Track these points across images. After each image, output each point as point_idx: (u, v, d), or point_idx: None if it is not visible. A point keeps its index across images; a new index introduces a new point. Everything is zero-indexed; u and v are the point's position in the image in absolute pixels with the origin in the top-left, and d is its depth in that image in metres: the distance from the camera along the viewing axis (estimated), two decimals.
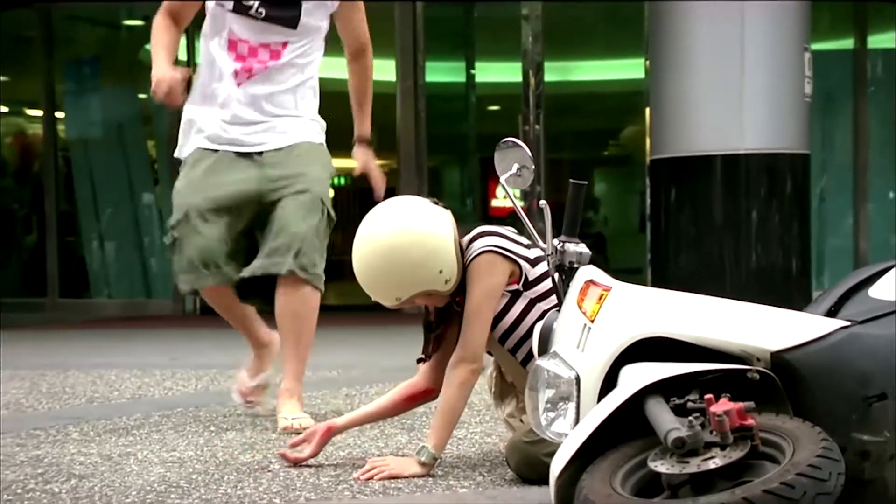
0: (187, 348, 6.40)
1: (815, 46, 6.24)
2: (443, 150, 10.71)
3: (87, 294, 10.65)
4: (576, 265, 2.44)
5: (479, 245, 2.81)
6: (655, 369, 2.16)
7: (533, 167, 2.67)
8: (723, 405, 2.04)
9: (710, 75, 5.92)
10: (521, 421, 2.91)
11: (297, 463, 3.02)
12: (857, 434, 2.10)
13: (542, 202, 2.59)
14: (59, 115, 10.88)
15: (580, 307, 2.33)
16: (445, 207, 2.89)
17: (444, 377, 2.95)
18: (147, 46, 12.24)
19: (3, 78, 11.19)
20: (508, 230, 2.88)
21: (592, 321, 2.29)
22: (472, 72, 10.52)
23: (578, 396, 2.25)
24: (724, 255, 5.93)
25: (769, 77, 5.92)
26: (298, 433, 3.23)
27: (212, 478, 2.92)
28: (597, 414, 2.15)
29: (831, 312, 2.30)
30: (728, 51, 5.88)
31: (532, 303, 2.81)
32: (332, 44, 3.73)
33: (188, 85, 3.69)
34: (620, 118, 11.78)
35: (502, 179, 2.65)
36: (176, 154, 3.80)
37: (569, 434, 2.21)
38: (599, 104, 12.09)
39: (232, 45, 3.68)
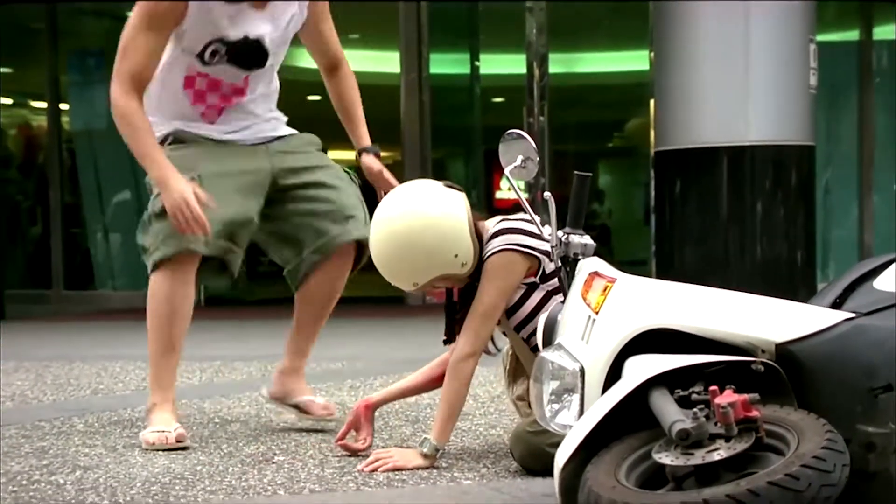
0: (191, 340, 6.37)
1: (821, 38, 6.22)
2: (447, 142, 10.71)
3: (92, 286, 10.66)
4: (580, 257, 2.43)
5: (498, 242, 2.80)
6: (660, 361, 2.16)
7: (537, 159, 2.66)
8: (727, 397, 2.04)
9: (714, 67, 5.91)
10: (530, 406, 2.92)
11: (358, 452, 3.02)
12: (862, 426, 2.10)
13: (547, 194, 2.59)
14: (64, 106, 10.88)
15: (584, 299, 2.33)
16: (459, 190, 2.88)
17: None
18: None
19: (7, 70, 11.19)
20: (528, 223, 2.86)
21: (597, 313, 2.29)
22: (477, 64, 10.52)
23: (583, 388, 2.25)
24: (728, 247, 5.93)
25: (774, 69, 5.91)
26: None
27: (216, 469, 2.93)
28: (601, 406, 2.15)
29: (836, 304, 2.30)
30: (733, 43, 5.87)
31: (549, 294, 2.81)
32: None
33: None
34: (625, 110, 11.78)
35: (507, 171, 2.65)
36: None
37: (573, 426, 2.21)
38: (604, 96, 12.08)
39: (189, 81, 3.32)
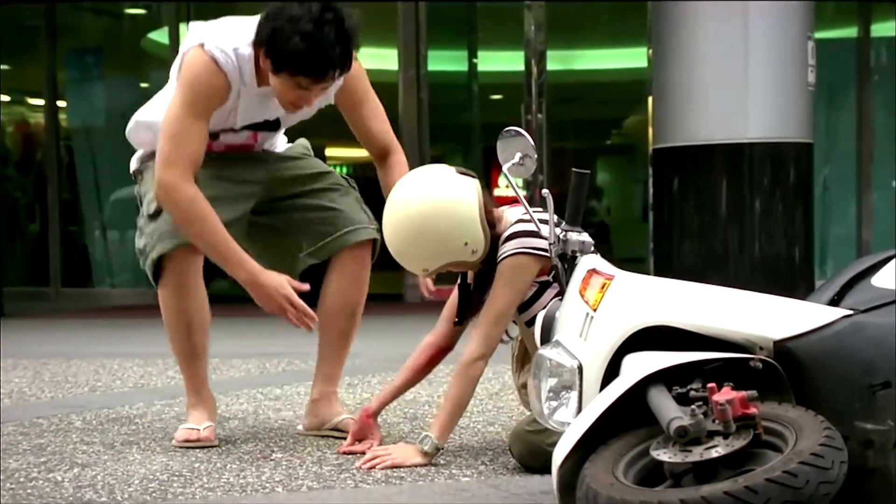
0: None
1: (819, 35, 6.22)
2: (445, 140, 10.71)
3: (90, 283, 10.66)
4: (578, 254, 2.43)
5: (512, 246, 2.79)
6: (658, 358, 2.15)
7: (535, 156, 2.66)
8: (725, 394, 2.03)
9: (713, 64, 5.91)
10: None
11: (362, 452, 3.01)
12: (860, 423, 2.10)
13: (545, 191, 2.59)
14: (62, 104, 10.87)
15: (583, 296, 2.33)
16: (473, 176, 2.87)
17: (461, 329, 3.00)
18: (150, 36, 12.14)
19: (5, 67, 11.18)
20: (544, 224, 2.86)
21: (595, 310, 2.29)
22: (475, 61, 10.51)
23: (581, 385, 2.25)
24: (727, 245, 5.93)
25: (772, 66, 5.91)
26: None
27: (214, 466, 2.93)
28: (599, 403, 2.14)
29: (834, 301, 2.30)
30: (731, 40, 5.86)
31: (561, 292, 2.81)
32: None
33: None
34: (623, 107, 11.78)
35: (505, 168, 2.65)
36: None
37: (571, 423, 2.21)
38: (602, 93, 12.08)
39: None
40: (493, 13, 10.44)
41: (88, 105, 10.83)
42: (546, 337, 2.44)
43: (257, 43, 3.03)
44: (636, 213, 11.88)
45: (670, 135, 6.12)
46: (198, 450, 3.15)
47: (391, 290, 8.36)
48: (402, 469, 2.82)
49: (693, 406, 2.06)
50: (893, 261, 2.33)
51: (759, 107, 5.90)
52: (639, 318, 2.23)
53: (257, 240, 3.33)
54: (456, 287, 3.05)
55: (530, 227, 2.78)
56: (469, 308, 2.96)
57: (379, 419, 3.13)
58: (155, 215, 3.19)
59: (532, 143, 2.66)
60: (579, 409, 2.24)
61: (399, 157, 3.38)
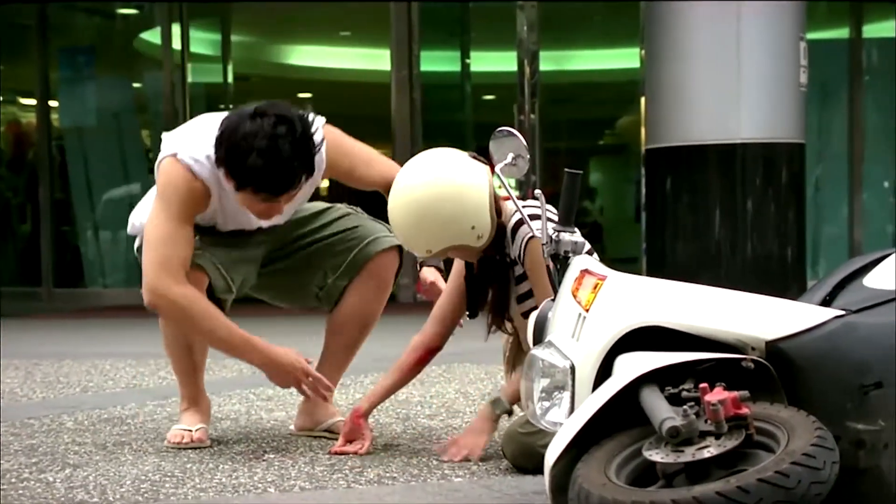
0: None
1: (811, 36, 6.24)
2: (438, 140, 10.64)
3: (82, 283, 10.64)
4: (571, 255, 2.43)
5: (527, 230, 2.79)
6: (650, 358, 2.15)
7: (528, 156, 2.66)
8: (717, 394, 2.03)
9: (705, 65, 5.92)
10: None
11: (356, 453, 3.02)
12: (852, 423, 2.10)
13: (538, 191, 2.59)
14: (54, 103, 10.85)
15: (575, 296, 2.33)
16: (484, 162, 2.87)
17: (450, 329, 3.01)
18: (143, 36, 12.14)
19: None
20: (549, 211, 2.88)
21: (587, 311, 2.29)
22: (468, 61, 10.51)
23: (573, 386, 2.25)
24: (719, 245, 5.94)
25: (765, 66, 5.92)
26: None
27: (206, 467, 2.92)
28: (592, 403, 2.14)
29: (826, 302, 2.30)
30: (724, 40, 5.87)
31: None
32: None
33: None
34: (616, 107, 11.78)
35: (497, 169, 2.65)
36: None
37: (564, 423, 2.21)
38: (595, 93, 12.08)
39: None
40: (485, 13, 10.44)
41: (80, 105, 10.80)
42: (538, 337, 2.44)
43: (217, 162, 2.98)
44: (629, 214, 11.89)
45: (663, 135, 6.13)
46: (190, 450, 3.15)
47: None
48: (394, 469, 2.82)
49: (685, 406, 2.06)
50: (885, 261, 2.34)
51: (752, 107, 5.92)
52: (631, 319, 2.24)
53: (272, 286, 3.31)
54: (446, 288, 3.05)
55: (533, 212, 2.79)
56: (479, 301, 2.96)
57: (371, 420, 3.13)
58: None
59: (524, 143, 2.66)
60: (572, 410, 2.24)
61: None
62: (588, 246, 2.91)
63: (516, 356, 3.07)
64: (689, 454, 2.01)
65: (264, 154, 2.89)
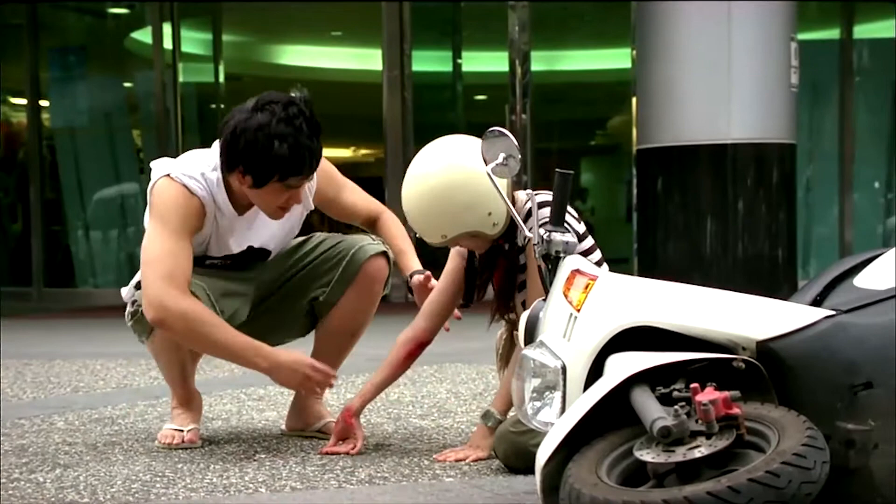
0: None
1: (802, 36, 6.25)
2: (430, 139, 10.67)
3: (73, 283, 10.62)
4: (562, 255, 2.43)
5: (543, 214, 2.77)
6: (641, 358, 2.16)
7: (519, 157, 2.66)
8: (708, 394, 2.04)
9: (696, 65, 5.93)
10: None
11: (348, 453, 3.02)
12: (842, 423, 2.10)
13: (527, 192, 2.58)
14: (44, 103, 10.83)
15: (566, 297, 2.33)
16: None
17: (440, 324, 3.00)
18: (133, 35, 12.12)
19: None
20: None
21: (578, 311, 2.29)
22: (459, 61, 10.51)
23: (564, 386, 2.25)
24: (710, 245, 5.95)
25: (756, 67, 5.94)
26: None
27: (197, 467, 2.92)
28: (583, 403, 2.15)
29: (817, 301, 2.30)
30: (715, 41, 5.89)
31: None
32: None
33: None
34: (607, 108, 11.80)
35: (488, 169, 2.64)
36: None
37: (555, 423, 2.21)
38: (586, 94, 12.09)
39: None
40: (477, 13, 10.44)
41: (71, 104, 10.78)
42: (530, 337, 2.44)
43: (230, 165, 2.98)
44: (620, 214, 11.91)
45: (654, 135, 6.14)
46: (181, 450, 3.14)
47: None
48: (385, 469, 2.82)
49: (676, 406, 2.06)
50: (875, 261, 2.34)
51: (743, 107, 5.93)
52: (622, 319, 2.24)
53: (265, 322, 3.27)
54: (439, 285, 3.05)
55: (546, 198, 2.79)
56: (475, 290, 2.95)
57: (362, 420, 3.12)
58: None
59: (516, 143, 2.66)
60: (563, 410, 2.24)
61: (390, 213, 3.34)
62: (593, 247, 2.93)
63: (509, 352, 3.07)
64: (679, 454, 2.02)
65: (286, 139, 2.91)
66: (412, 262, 3.22)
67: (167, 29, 10.04)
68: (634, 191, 6.39)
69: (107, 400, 4.16)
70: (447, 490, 2.62)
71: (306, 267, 3.25)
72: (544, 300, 2.44)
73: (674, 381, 2.15)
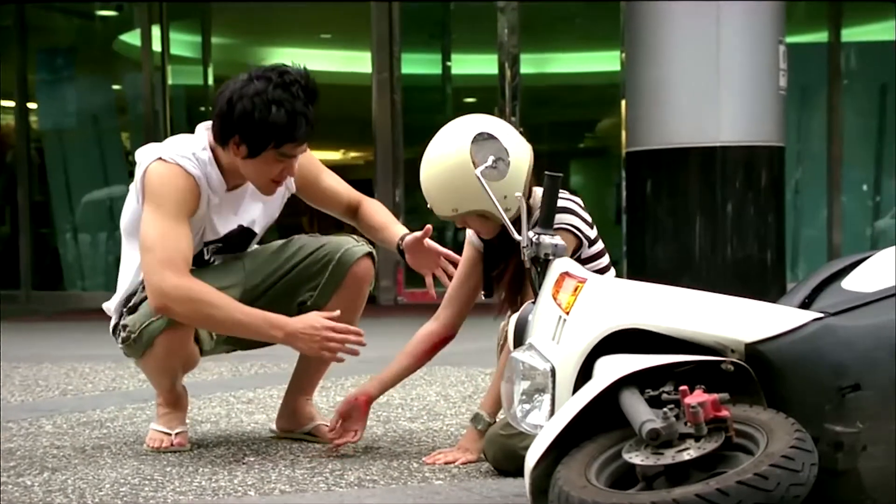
0: None
1: (790, 39, 6.27)
2: (419, 142, 10.64)
3: (61, 286, 10.59)
4: (551, 257, 2.43)
5: (560, 219, 2.79)
6: (630, 361, 2.16)
7: (509, 160, 2.66)
8: (697, 397, 2.04)
9: (685, 68, 5.95)
10: None
11: (341, 446, 3.01)
12: (830, 425, 2.11)
13: (518, 194, 2.58)
14: (32, 105, 10.80)
15: (555, 299, 2.33)
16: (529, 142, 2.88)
17: (463, 313, 3.00)
18: (122, 38, 12.09)
19: None
20: (580, 205, 2.89)
21: (567, 313, 2.29)
22: (448, 64, 10.52)
23: (554, 388, 2.25)
24: (699, 247, 5.96)
25: (744, 70, 5.95)
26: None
27: (186, 470, 2.91)
28: (572, 406, 2.15)
29: (805, 304, 2.31)
30: (703, 44, 5.90)
31: None
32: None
33: None
34: (596, 110, 11.81)
35: (477, 172, 2.65)
36: None
37: (544, 426, 2.21)
38: (575, 96, 12.10)
39: None
40: (466, 16, 10.45)
41: (59, 107, 10.76)
42: (519, 340, 2.44)
43: (224, 137, 2.97)
44: (609, 216, 11.91)
45: (644, 138, 6.15)
46: (170, 454, 3.14)
47: None
48: (375, 472, 2.82)
49: (665, 409, 2.06)
50: (863, 264, 2.35)
51: (732, 110, 5.95)
52: (611, 321, 2.24)
53: None
54: (457, 274, 3.03)
55: (569, 204, 2.83)
56: (493, 280, 2.95)
57: None
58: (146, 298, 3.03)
59: (505, 146, 2.66)
60: (552, 412, 2.24)
61: (371, 200, 3.34)
62: (603, 251, 2.93)
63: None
64: (668, 456, 2.02)
65: (283, 104, 2.92)
66: (400, 229, 3.21)
67: (156, 31, 10.02)
68: (624, 193, 6.39)
69: (95, 403, 4.15)
70: (436, 493, 2.62)
71: (292, 271, 3.23)
72: (533, 303, 2.44)
73: (663, 383, 2.15)
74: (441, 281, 3.13)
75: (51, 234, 10.74)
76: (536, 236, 2.44)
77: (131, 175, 3.20)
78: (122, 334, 3.12)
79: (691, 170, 5.99)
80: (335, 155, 13.46)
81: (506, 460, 2.76)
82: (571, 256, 2.80)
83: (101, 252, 10.54)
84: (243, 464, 2.98)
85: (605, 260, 2.95)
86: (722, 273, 5.89)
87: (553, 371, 2.26)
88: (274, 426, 3.40)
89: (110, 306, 3.22)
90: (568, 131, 12.98)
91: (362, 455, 3.06)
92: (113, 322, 3.22)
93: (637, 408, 2.09)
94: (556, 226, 2.75)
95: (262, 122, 2.92)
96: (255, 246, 3.30)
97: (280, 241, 3.30)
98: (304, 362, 3.35)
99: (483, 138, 2.67)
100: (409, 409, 3.83)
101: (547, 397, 2.26)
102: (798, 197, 9.35)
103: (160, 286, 2.90)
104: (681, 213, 5.99)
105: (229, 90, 2.97)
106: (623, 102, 6.45)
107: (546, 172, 2.50)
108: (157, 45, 10.04)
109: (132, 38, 10.44)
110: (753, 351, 2.17)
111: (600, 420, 2.15)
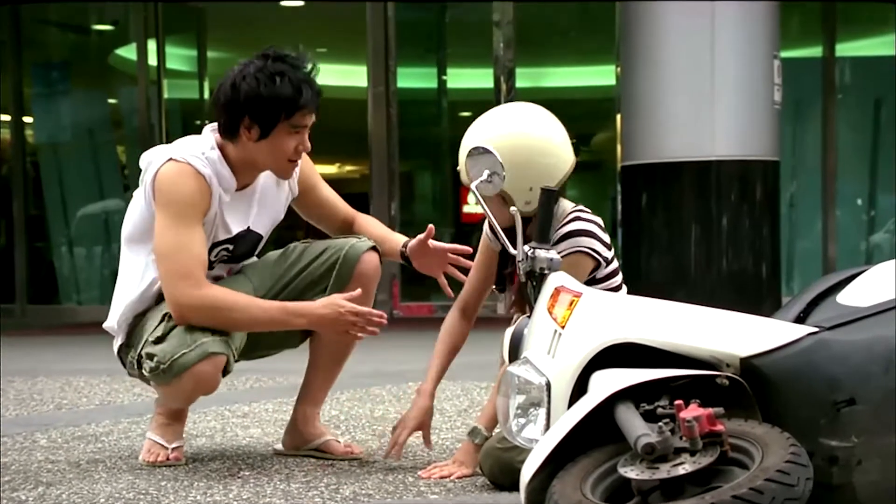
0: None
1: (785, 54, 6.29)
2: (415, 156, 10.72)
3: (56, 300, 10.58)
4: (547, 271, 2.44)
5: (572, 244, 2.79)
6: (625, 375, 2.16)
7: (504, 174, 2.67)
8: (692, 411, 2.04)
9: (680, 82, 5.97)
10: None
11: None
12: (825, 439, 2.11)
13: (513, 208, 2.59)
14: (28, 119, 10.81)
15: (551, 313, 2.34)
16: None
17: (482, 298, 3.01)
18: (117, 52, 12.11)
19: None
20: (600, 226, 2.89)
21: (563, 327, 2.29)
22: (444, 77, 10.54)
23: (549, 402, 2.25)
24: (694, 261, 5.98)
25: (739, 84, 5.97)
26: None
27: (181, 485, 2.91)
28: (567, 420, 2.15)
29: (800, 318, 2.31)
30: (698, 58, 5.92)
31: None
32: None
33: None
34: (592, 124, 11.83)
35: (473, 186, 2.65)
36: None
37: (539, 440, 2.21)
38: (571, 110, 12.08)
39: None
40: (462, 30, 10.48)
41: (55, 121, 10.76)
42: (514, 354, 2.44)
43: (233, 124, 3.00)
44: (605, 230, 11.93)
45: (639, 152, 6.17)
46: (165, 468, 3.13)
47: None
48: (370, 486, 2.81)
49: (660, 423, 2.06)
50: (858, 278, 2.36)
51: (727, 125, 5.97)
52: (606, 336, 2.24)
53: (260, 336, 3.17)
54: (475, 263, 3.03)
55: (589, 226, 2.83)
56: (507, 278, 2.94)
57: (347, 437, 3.11)
58: (169, 332, 2.99)
59: (500, 160, 2.67)
60: (547, 426, 2.24)
61: (365, 216, 3.34)
62: (616, 271, 2.93)
63: None
64: (664, 471, 2.02)
65: (284, 74, 2.97)
66: (400, 238, 3.23)
67: (152, 45, 10.04)
68: (619, 207, 6.40)
69: (90, 417, 4.14)
70: None
71: (297, 277, 3.21)
72: (529, 316, 2.44)
73: (658, 397, 2.15)
74: (455, 277, 3.12)
75: (46, 248, 10.73)
76: (532, 250, 2.44)
77: (127, 189, 3.21)
78: (150, 363, 3.04)
79: (686, 184, 6.01)
80: (331, 168, 13.47)
81: (502, 474, 2.75)
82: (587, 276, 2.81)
83: (97, 266, 10.53)
84: (238, 478, 2.98)
85: (619, 279, 2.94)
86: (717, 286, 5.90)
87: (548, 385, 2.26)
88: (279, 445, 3.33)
89: (113, 325, 3.18)
90: None
91: (358, 469, 3.05)
92: (119, 342, 3.19)
93: (632, 422, 2.09)
94: (576, 249, 2.78)
95: (269, 96, 2.96)
96: (254, 257, 3.29)
97: (278, 251, 3.29)
98: (314, 371, 3.31)
99: (478, 153, 2.67)
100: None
101: (542, 411, 2.27)
102: (793, 211, 9.37)
103: (178, 300, 2.94)
104: (676, 227, 6.00)
105: (229, 78, 3.02)
106: (618, 116, 6.46)
107: (542, 187, 2.50)
108: (152, 59, 10.05)
109: (128, 52, 10.46)
110: (748, 365, 2.18)
111: (595, 434, 2.15)
